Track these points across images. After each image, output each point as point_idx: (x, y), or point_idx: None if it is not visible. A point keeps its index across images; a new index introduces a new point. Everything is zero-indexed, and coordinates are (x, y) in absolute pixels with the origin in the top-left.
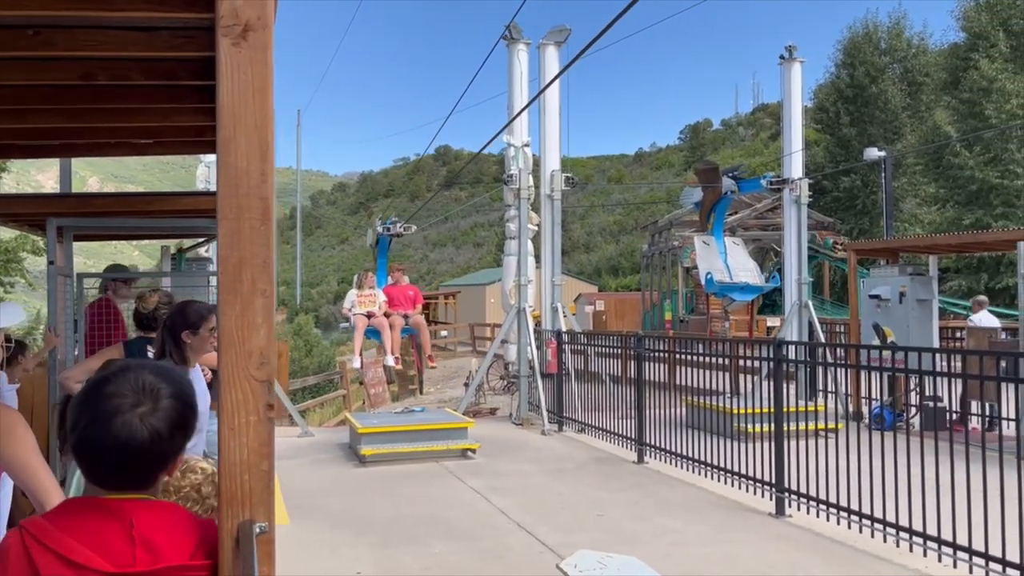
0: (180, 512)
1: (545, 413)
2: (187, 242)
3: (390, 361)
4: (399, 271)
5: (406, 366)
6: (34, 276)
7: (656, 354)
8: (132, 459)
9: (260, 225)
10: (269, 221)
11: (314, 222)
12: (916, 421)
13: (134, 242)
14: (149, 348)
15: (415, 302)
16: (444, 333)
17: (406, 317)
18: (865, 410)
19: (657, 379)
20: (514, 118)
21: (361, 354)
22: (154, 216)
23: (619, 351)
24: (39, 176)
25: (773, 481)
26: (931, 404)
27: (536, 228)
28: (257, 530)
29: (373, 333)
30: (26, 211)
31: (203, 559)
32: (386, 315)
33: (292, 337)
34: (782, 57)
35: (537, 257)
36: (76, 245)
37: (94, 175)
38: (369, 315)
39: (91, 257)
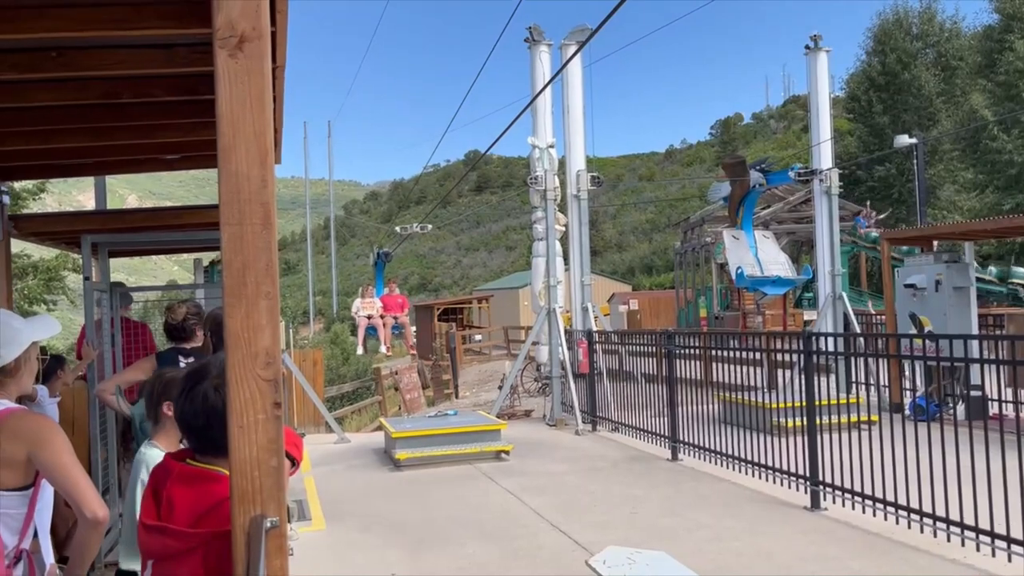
0: (219, 487)
1: (578, 413)
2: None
3: (383, 350)
4: (392, 284)
5: (440, 372)
6: (77, 294)
7: (688, 351)
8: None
9: (262, 230)
10: (271, 225)
11: (348, 232)
12: (958, 410)
13: (172, 256)
14: (181, 359)
15: (403, 307)
16: (478, 337)
17: (396, 318)
18: (906, 401)
19: (690, 376)
20: (517, 117)
21: (364, 344)
22: (185, 229)
23: (650, 349)
24: (80, 196)
25: (807, 474)
26: (970, 393)
27: (563, 229)
28: (268, 524)
29: (373, 331)
30: (62, 229)
31: (203, 528)
32: (381, 317)
33: (329, 345)
34: (807, 47)
35: (566, 258)
36: (116, 262)
37: (132, 193)
38: (369, 317)
39: (133, 273)
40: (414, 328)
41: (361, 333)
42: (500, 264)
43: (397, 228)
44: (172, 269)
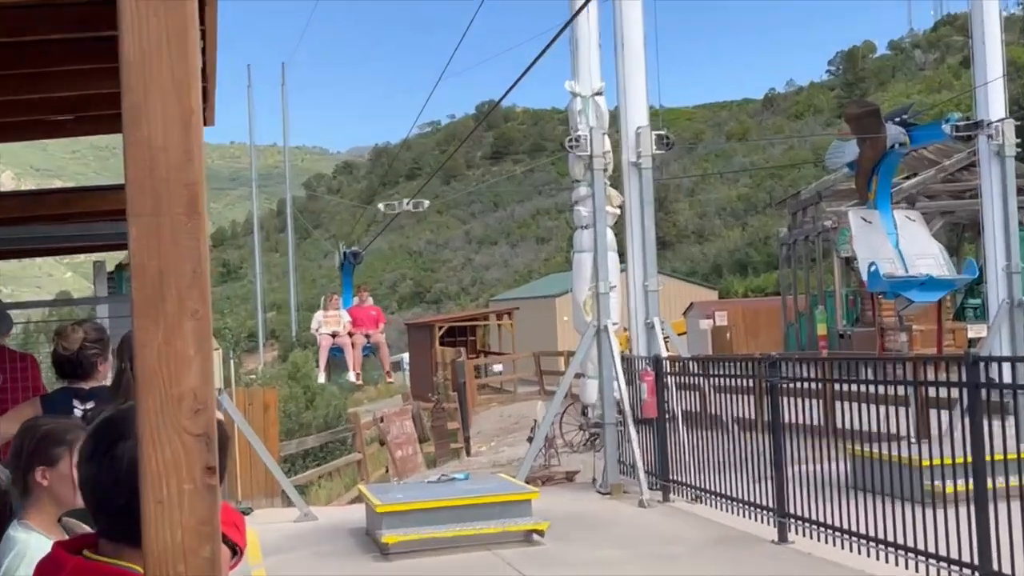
0: None
1: (643, 476)
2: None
3: (351, 377)
4: (364, 292)
5: (445, 418)
6: None
7: (801, 385)
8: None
9: (187, 221)
10: (199, 215)
11: (311, 219)
12: None
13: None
14: (76, 404)
15: (377, 322)
16: (498, 368)
17: (368, 336)
18: None
19: (805, 421)
20: (546, 48)
21: (327, 370)
22: (80, 220)
23: (747, 383)
24: None
25: (976, 563)
26: None
27: (618, 211)
28: None
29: (338, 352)
30: None
31: None
32: (350, 335)
33: (287, 382)
34: None
35: (622, 254)
36: None
37: (6, 169)
38: (334, 335)
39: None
40: (406, 356)
41: (323, 356)
42: (528, 263)
43: (380, 206)
44: (64, 277)
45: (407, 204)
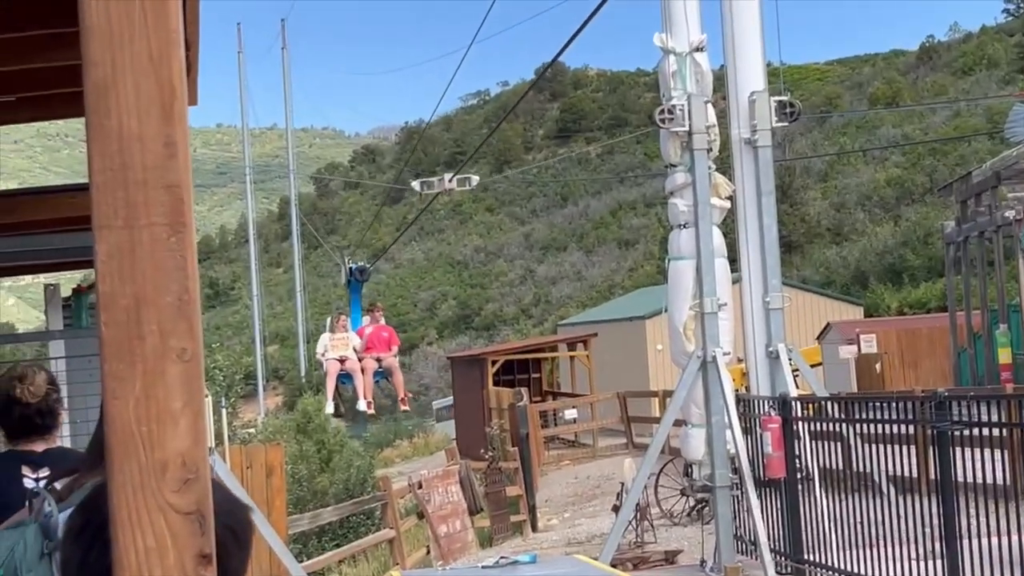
0: None
1: (768, 556)
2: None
3: (362, 406)
4: (377, 311)
5: (502, 482)
6: None
7: (979, 431)
8: None
9: (169, 234)
10: (185, 227)
11: (324, 222)
12: None
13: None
14: (26, 473)
15: (390, 344)
16: (570, 413)
17: (379, 361)
18: None
19: (984, 479)
20: None
21: (335, 399)
22: (26, 231)
23: (906, 429)
24: None
25: None
26: None
27: (728, 204)
28: None
29: (347, 379)
30: None
31: None
32: (360, 359)
33: (295, 437)
34: None
35: (733, 260)
36: None
37: None
38: (342, 360)
39: None
40: (449, 401)
41: (331, 384)
42: (607, 275)
43: (415, 184)
44: (6, 304)
45: (449, 181)
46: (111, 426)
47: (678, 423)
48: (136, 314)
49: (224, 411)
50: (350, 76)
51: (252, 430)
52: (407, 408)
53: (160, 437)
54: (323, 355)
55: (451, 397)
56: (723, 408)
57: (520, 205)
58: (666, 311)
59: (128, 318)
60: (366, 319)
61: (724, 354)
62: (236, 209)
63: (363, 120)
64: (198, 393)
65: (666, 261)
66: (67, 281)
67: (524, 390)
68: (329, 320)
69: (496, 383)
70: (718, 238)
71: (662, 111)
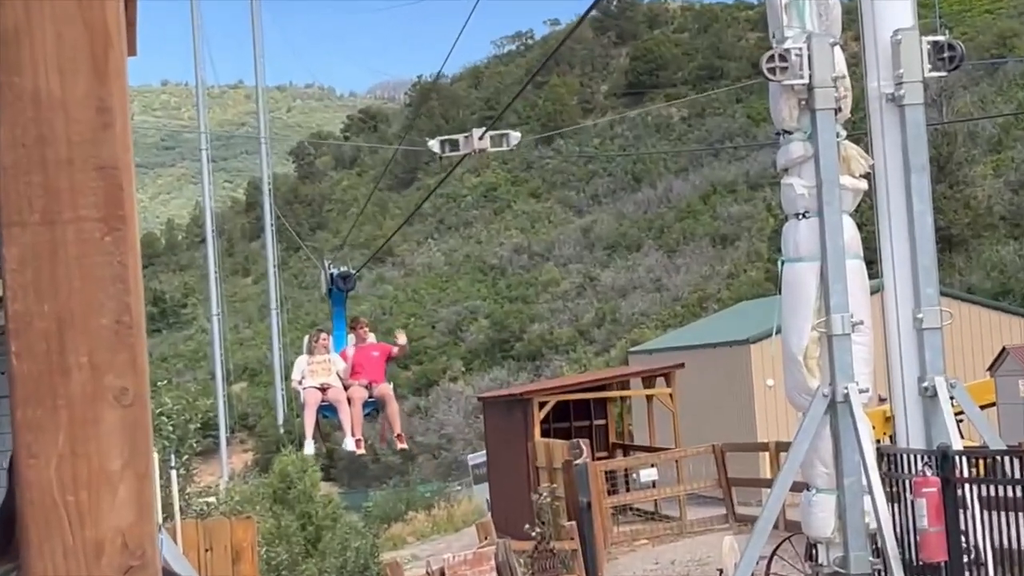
0: None
1: None
2: None
3: (350, 444)
4: (363, 328)
5: (556, 567)
6: None
7: None
8: None
9: (104, 233)
10: (126, 222)
11: (308, 213)
12: None
13: None
14: None
15: (382, 364)
16: (648, 475)
17: (369, 388)
18: None
19: None
20: None
21: (315, 437)
22: None
23: None
24: None
25: None
26: None
27: (864, 185)
28: None
29: (330, 412)
30: None
31: None
32: (345, 387)
33: (271, 508)
34: None
35: (871, 262)
36: None
37: None
38: (323, 388)
39: None
40: (483, 455)
41: (309, 418)
42: (696, 282)
43: (433, 144)
44: None
45: (480, 138)
46: (26, 495)
47: (797, 487)
48: (59, 342)
49: (174, 473)
50: (341, 14)
51: (212, 499)
52: (404, 446)
53: (93, 509)
54: (300, 382)
55: (486, 448)
56: (859, 466)
57: (576, 188)
58: (779, 333)
59: (48, 347)
60: (351, 337)
61: (861, 391)
62: (188, 197)
63: (360, 75)
64: (143, 449)
65: (779, 264)
66: None
67: (584, 442)
68: (307, 339)
69: (545, 433)
70: (851, 231)
71: (772, 58)
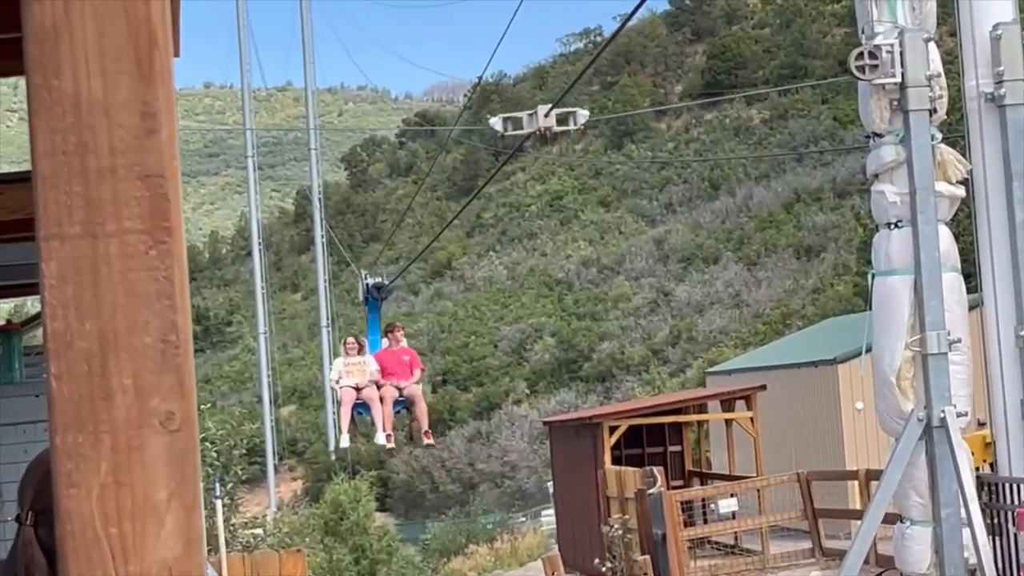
0: None
1: None
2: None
3: (381, 439)
4: (398, 331)
5: None
6: None
7: None
8: None
9: (149, 246)
10: (172, 234)
11: (360, 224)
12: None
13: None
14: None
15: (412, 368)
16: (727, 505)
17: (400, 389)
18: None
19: None
20: None
21: (351, 429)
22: None
23: None
24: None
25: None
26: None
27: (961, 192)
28: None
29: (364, 409)
30: None
31: None
32: (378, 386)
33: (322, 540)
34: None
35: (969, 275)
36: None
37: None
38: (358, 388)
39: None
40: (550, 485)
41: (346, 414)
42: (779, 297)
43: (495, 123)
44: None
45: (545, 115)
46: (66, 527)
47: (890, 519)
48: (101, 363)
49: (219, 503)
50: (396, 11)
51: (259, 531)
52: (431, 442)
53: (138, 542)
54: (337, 382)
55: (552, 476)
56: (957, 496)
57: (649, 196)
58: (869, 352)
59: (89, 369)
60: (385, 342)
61: (958, 415)
62: (233, 207)
63: (417, 76)
64: (191, 477)
65: (869, 277)
66: None
67: (658, 470)
68: (342, 343)
69: (616, 460)
70: (947, 242)
71: (861, 55)
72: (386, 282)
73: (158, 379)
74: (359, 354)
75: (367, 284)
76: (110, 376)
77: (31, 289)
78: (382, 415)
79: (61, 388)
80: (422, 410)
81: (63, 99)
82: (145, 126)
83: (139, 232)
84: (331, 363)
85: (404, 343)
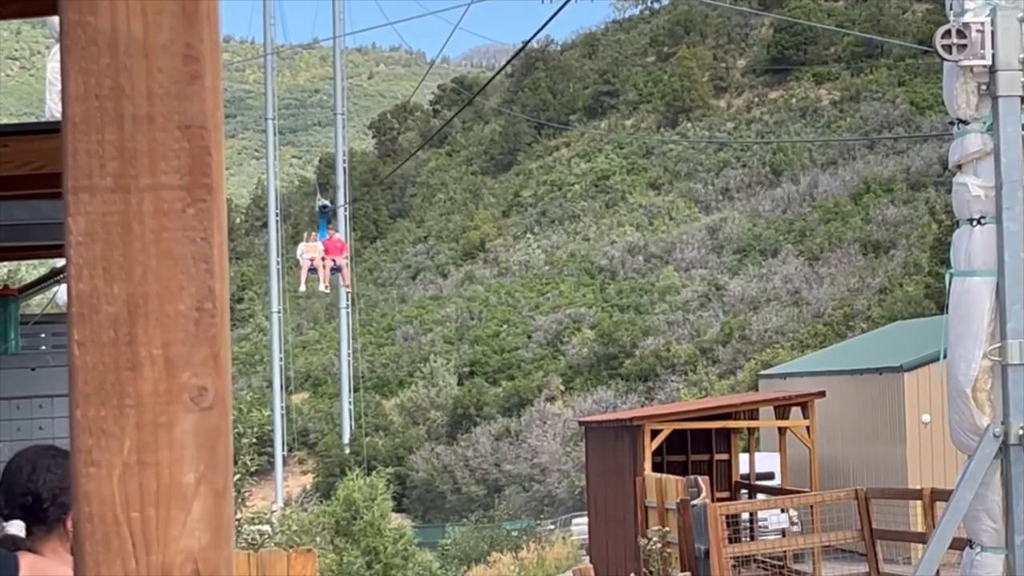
0: None
1: None
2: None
3: (322, 287)
4: (332, 231)
5: None
6: None
7: None
8: None
9: (187, 204)
10: (212, 192)
11: (388, 198)
12: None
13: None
14: None
15: (342, 250)
16: (778, 520)
17: (334, 260)
18: None
19: None
20: None
21: (306, 281)
22: None
23: None
24: None
25: None
26: None
27: None
28: None
29: (313, 271)
30: None
31: None
32: (323, 259)
33: (332, 540)
34: None
35: None
36: None
37: None
38: (311, 260)
39: None
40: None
41: (304, 273)
42: (843, 297)
43: (319, 202)
44: None
45: (328, 203)
46: (83, 509)
47: (957, 544)
48: (129, 330)
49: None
50: None
51: (266, 527)
52: (349, 288)
53: (161, 529)
54: (301, 255)
55: (586, 476)
56: None
57: (703, 180)
58: (943, 359)
59: (116, 336)
60: (327, 235)
61: None
62: (249, 174)
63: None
64: (223, 460)
65: (946, 277)
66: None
67: (703, 479)
68: (305, 235)
69: (657, 466)
70: None
71: (948, 33)
72: (329, 204)
73: (191, 351)
74: (312, 241)
75: (321, 206)
76: (138, 345)
77: (29, 252)
78: (323, 275)
79: (84, 356)
80: (346, 273)
81: (98, 38)
82: (188, 71)
83: (176, 188)
84: (349, 348)
85: (337, 236)
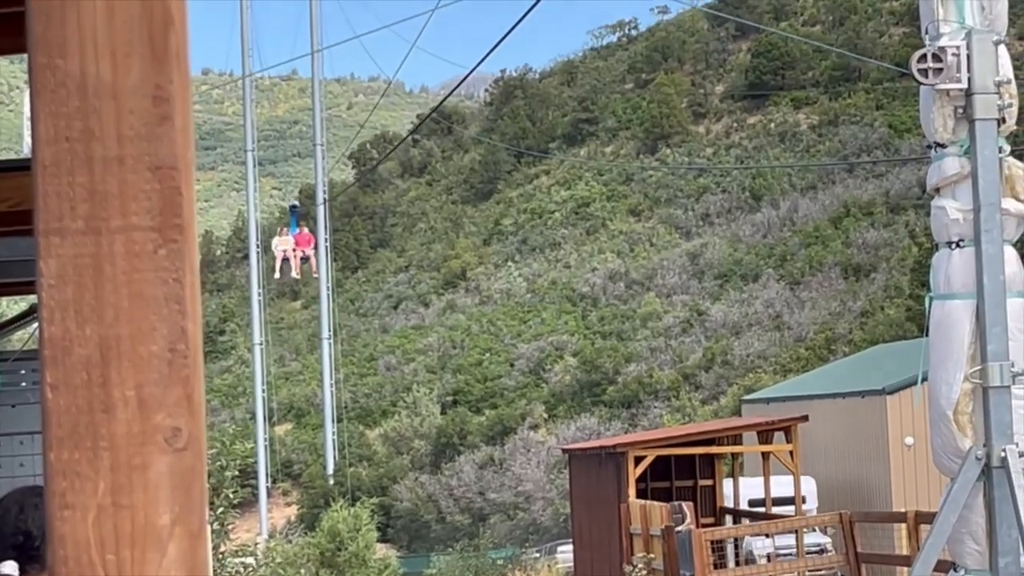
0: None
1: None
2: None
3: (295, 273)
4: (302, 226)
5: None
6: None
7: None
8: None
9: (158, 245)
10: (184, 233)
11: (369, 228)
12: None
13: None
14: None
15: (309, 242)
16: (762, 546)
17: (303, 251)
18: None
19: None
20: None
21: (281, 270)
22: None
23: None
24: None
25: None
26: None
27: None
28: None
29: (286, 261)
30: None
31: None
32: (294, 251)
33: (318, 573)
34: None
35: None
36: None
37: None
38: (284, 251)
39: None
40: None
41: (278, 263)
42: (824, 320)
43: (292, 203)
44: None
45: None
46: (58, 552)
47: (942, 566)
48: (102, 372)
49: (207, 529)
50: None
51: (251, 559)
52: (317, 276)
53: (137, 571)
54: (275, 247)
55: (571, 508)
56: (1017, 544)
57: (684, 206)
58: (924, 382)
59: (89, 378)
60: (298, 230)
61: (1021, 455)
62: (230, 206)
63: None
64: (197, 501)
65: (926, 300)
66: None
67: (687, 505)
68: (279, 228)
69: (642, 493)
70: (1013, 265)
71: (924, 57)
72: (298, 204)
73: (164, 392)
74: (285, 235)
75: (291, 206)
76: (111, 387)
77: (7, 289)
78: (295, 265)
79: (57, 399)
80: (313, 261)
81: (67, 81)
82: (158, 112)
83: (148, 229)
84: (331, 378)
85: (306, 231)
